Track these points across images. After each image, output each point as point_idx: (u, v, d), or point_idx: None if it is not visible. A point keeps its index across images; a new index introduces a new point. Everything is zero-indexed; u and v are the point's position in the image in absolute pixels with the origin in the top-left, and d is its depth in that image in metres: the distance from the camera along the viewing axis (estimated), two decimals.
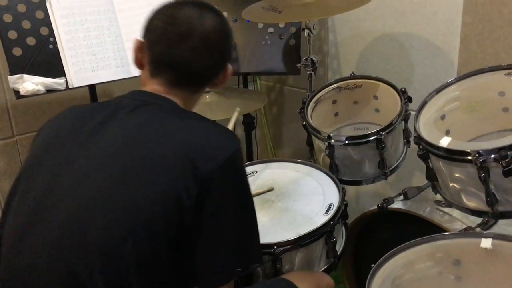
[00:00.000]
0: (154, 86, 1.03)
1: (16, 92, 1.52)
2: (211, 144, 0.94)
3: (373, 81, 1.63)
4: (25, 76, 1.52)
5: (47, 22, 1.56)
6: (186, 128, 0.96)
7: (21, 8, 1.55)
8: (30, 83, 1.51)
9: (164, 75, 1.02)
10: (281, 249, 1.20)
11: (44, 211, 0.91)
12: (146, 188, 0.89)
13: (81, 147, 0.96)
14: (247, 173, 1.52)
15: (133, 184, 0.90)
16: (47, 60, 1.56)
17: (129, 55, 1.63)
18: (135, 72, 1.61)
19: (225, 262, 0.96)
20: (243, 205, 0.98)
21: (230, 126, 1.46)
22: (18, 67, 1.52)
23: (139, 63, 1.07)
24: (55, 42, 1.56)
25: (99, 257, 0.86)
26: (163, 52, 1.01)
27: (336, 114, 1.69)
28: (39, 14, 1.56)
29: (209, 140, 0.95)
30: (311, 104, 1.64)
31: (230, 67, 1.10)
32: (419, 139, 1.25)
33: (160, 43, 1.01)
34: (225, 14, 2.00)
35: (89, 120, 1.00)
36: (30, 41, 1.54)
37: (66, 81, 1.57)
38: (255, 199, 1.41)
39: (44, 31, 1.57)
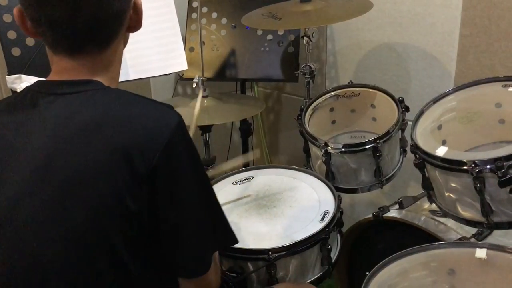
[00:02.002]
0: (59, 63, 0.88)
1: (14, 92, 1.52)
2: (144, 134, 0.82)
3: (370, 90, 1.64)
4: (23, 76, 1.51)
5: None
6: (112, 120, 0.83)
7: None
8: (28, 84, 1.50)
9: (59, 43, 0.86)
10: (275, 255, 1.19)
11: None
12: (83, 206, 0.80)
13: (4, 167, 0.84)
14: (244, 179, 1.53)
15: (69, 205, 0.80)
16: (46, 61, 1.52)
17: (128, 57, 1.63)
18: (133, 75, 1.61)
19: (197, 250, 0.90)
20: (197, 186, 0.89)
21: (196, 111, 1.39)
22: (17, 67, 1.52)
23: (30, 33, 0.88)
24: None
25: None
26: (37, 16, 0.83)
27: (333, 122, 1.70)
28: None
29: (141, 129, 0.83)
30: (309, 111, 1.64)
31: (137, 1, 0.92)
32: (415, 148, 1.25)
33: (30, 6, 0.83)
34: (224, 20, 2.01)
35: (5, 129, 0.86)
36: (29, 41, 1.54)
37: None
38: (250, 204, 1.42)
39: None
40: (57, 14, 0.82)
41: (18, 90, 1.50)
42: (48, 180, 0.81)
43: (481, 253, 1.06)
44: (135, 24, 0.93)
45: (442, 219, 1.35)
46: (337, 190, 1.45)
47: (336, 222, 1.32)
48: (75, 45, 0.86)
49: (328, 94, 1.68)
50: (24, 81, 1.50)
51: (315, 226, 1.27)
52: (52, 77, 0.89)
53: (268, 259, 1.19)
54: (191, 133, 1.32)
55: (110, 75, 0.91)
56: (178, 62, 1.68)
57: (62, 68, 0.88)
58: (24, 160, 0.83)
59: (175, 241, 0.87)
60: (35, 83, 0.91)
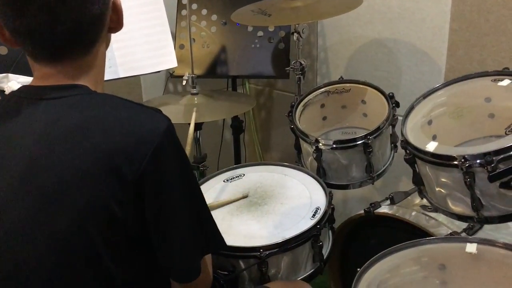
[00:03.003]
0: (41, 70, 0.86)
1: (1, 91, 1.50)
2: (131, 139, 0.80)
3: (361, 86, 1.64)
4: (11, 75, 1.50)
5: None
6: (98, 125, 0.81)
7: None
8: (15, 83, 1.49)
9: (40, 52, 0.84)
10: (267, 252, 1.19)
11: None
12: (69, 213, 0.78)
13: None
14: (235, 176, 1.53)
15: (53, 212, 0.78)
16: None
17: (117, 55, 1.62)
18: (123, 73, 1.60)
19: (186, 256, 0.89)
20: (185, 192, 0.87)
21: (191, 128, 1.39)
22: (4, 66, 1.50)
23: (10, 43, 0.86)
24: None
25: None
26: (16, 26, 0.81)
27: (324, 118, 1.70)
28: None
29: (128, 135, 0.81)
30: (299, 107, 1.64)
31: (116, 1, 0.90)
32: (406, 144, 1.25)
33: (8, 17, 0.81)
34: (214, 17, 2.00)
35: None
36: None
37: None
38: (241, 202, 1.41)
39: None
40: (35, 23, 0.80)
41: (5, 89, 1.49)
42: (33, 185, 0.79)
43: (471, 247, 1.06)
44: (116, 25, 0.91)
45: (433, 214, 1.35)
46: (329, 186, 1.45)
47: (327, 219, 1.32)
48: (56, 52, 0.84)
49: (319, 91, 1.68)
50: (11, 80, 1.48)
51: (307, 223, 1.27)
52: (35, 82, 0.87)
53: (259, 256, 1.19)
54: (187, 151, 1.31)
55: (94, 77, 0.89)
56: (168, 60, 1.68)
57: (44, 74, 0.86)
58: (10, 166, 0.81)
59: (164, 247, 0.86)
60: (19, 88, 0.89)
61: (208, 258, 0.97)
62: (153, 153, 0.80)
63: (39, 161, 0.80)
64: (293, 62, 1.77)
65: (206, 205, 0.93)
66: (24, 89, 0.88)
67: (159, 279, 0.92)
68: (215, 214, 1.35)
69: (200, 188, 0.92)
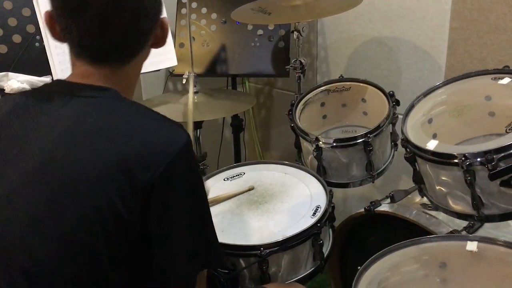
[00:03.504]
0: (81, 68, 0.89)
1: (1, 90, 1.50)
2: (149, 148, 0.83)
3: (361, 84, 1.64)
4: (10, 74, 1.50)
5: (33, 19, 1.54)
6: (121, 129, 0.84)
7: (8, 5, 1.52)
8: (15, 81, 1.49)
9: (85, 52, 0.88)
10: (267, 251, 1.19)
11: None
12: (78, 209, 0.80)
13: (11, 153, 0.85)
14: (235, 175, 1.53)
15: (64, 205, 0.80)
16: (33, 58, 1.54)
17: None
18: None
19: (183, 271, 0.89)
20: (192, 209, 0.88)
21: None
22: (4, 64, 1.50)
23: (58, 37, 0.90)
24: (41, 40, 1.54)
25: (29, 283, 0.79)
26: (68, 24, 0.86)
27: (324, 117, 1.69)
28: (26, 12, 1.54)
29: (147, 143, 0.83)
30: (300, 106, 1.64)
31: (164, 19, 0.93)
32: (406, 142, 1.25)
33: (63, 14, 0.86)
34: (214, 15, 2.00)
35: (17, 123, 0.89)
36: (16, 38, 1.52)
37: (52, 79, 1.55)
38: (241, 200, 1.41)
39: (30, 28, 1.54)
40: (88, 28, 0.84)
41: (5, 88, 1.49)
42: (48, 176, 0.81)
43: (472, 246, 1.06)
44: (160, 40, 0.94)
45: (433, 213, 1.35)
46: (329, 185, 1.45)
47: (328, 217, 1.32)
48: (99, 56, 0.88)
49: (319, 89, 1.67)
50: (11, 79, 1.48)
51: (307, 221, 1.27)
52: (71, 78, 0.90)
53: (260, 255, 1.19)
54: (190, 131, 1.31)
55: (127, 86, 0.93)
56: (168, 58, 1.67)
57: (82, 72, 0.89)
58: (30, 152, 0.84)
59: (164, 257, 0.87)
60: (53, 81, 0.94)
61: (203, 275, 0.97)
62: (168, 165, 0.82)
63: (58, 154, 0.82)
64: (293, 61, 1.77)
65: (212, 224, 0.93)
66: (59, 82, 0.92)
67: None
68: (215, 211, 1.35)
69: (208, 208, 0.92)
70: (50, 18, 0.89)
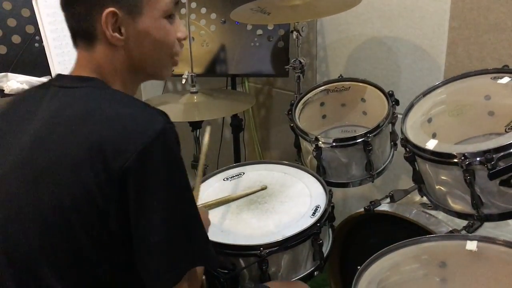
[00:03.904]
0: (77, 57, 0.95)
1: (0, 91, 1.50)
2: (124, 133, 0.81)
3: (360, 84, 1.64)
4: (10, 74, 1.50)
5: (33, 20, 1.54)
6: (98, 115, 0.84)
7: (7, 5, 1.53)
8: (15, 82, 1.49)
9: (72, 38, 0.94)
10: (267, 250, 1.19)
11: None
12: (55, 195, 0.81)
13: (5, 139, 0.90)
14: (234, 175, 1.53)
15: (43, 191, 0.82)
16: (33, 59, 1.54)
17: None
18: None
19: (163, 262, 0.84)
20: (170, 198, 0.83)
21: (205, 143, 1.36)
22: (3, 65, 1.50)
23: None
24: (40, 41, 1.54)
25: (12, 269, 0.82)
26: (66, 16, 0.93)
27: (323, 117, 1.69)
28: (25, 12, 1.55)
29: (123, 128, 0.82)
30: (299, 106, 1.64)
31: (111, 12, 0.88)
32: (406, 142, 1.25)
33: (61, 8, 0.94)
34: (214, 15, 2.00)
35: (16, 115, 0.93)
36: (16, 39, 1.53)
37: None
38: (241, 200, 1.41)
39: (29, 29, 1.55)
40: (66, 13, 0.92)
41: (5, 88, 1.49)
42: (28, 164, 0.84)
43: (471, 245, 1.06)
44: (115, 40, 0.91)
45: (433, 212, 1.35)
46: (328, 184, 1.45)
47: (327, 217, 1.32)
48: (74, 41, 0.93)
49: (318, 89, 1.68)
50: (10, 79, 1.48)
51: (307, 221, 1.27)
52: (71, 71, 0.95)
53: (260, 255, 1.19)
54: (199, 169, 1.33)
55: (111, 72, 0.92)
56: None
57: (77, 62, 0.94)
58: (20, 142, 0.87)
59: (142, 247, 0.83)
60: (55, 76, 0.97)
61: (196, 275, 0.92)
62: (142, 151, 0.80)
63: (39, 143, 0.85)
64: (292, 61, 1.77)
65: (197, 217, 0.88)
66: (56, 76, 0.96)
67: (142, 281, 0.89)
68: (214, 213, 1.35)
69: (192, 199, 0.88)
70: None
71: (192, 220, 0.88)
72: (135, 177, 0.80)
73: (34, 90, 0.97)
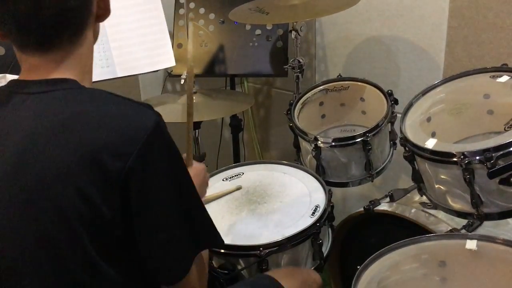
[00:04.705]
0: (28, 61, 0.84)
1: None
2: (117, 135, 0.78)
3: (359, 83, 1.64)
4: (8, 75, 1.49)
5: None
6: (84, 119, 0.79)
7: None
8: None
9: (27, 41, 0.82)
10: (267, 250, 1.19)
11: None
12: (55, 209, 0.77)
13: None
14: (234, 175, 1.53)
15: (40, 209, 0.77)
16: None
17: (115, 55, 1.61)
18: (121, 72, 1.60)
19: (173, 255, 0.86)
20: (175, 190, 0.84)
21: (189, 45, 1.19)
22: (1, 66, 1.50)
23: None
24: None
25: None
26: (2, 16, 0.80)
27: (323, 116, 1.69)
28: None
29: (114, 130, 0.79)
30: (298, 106, 1.64)
31: None
32: (405, 141, 1.25)
33: None
34: (212, 15, 2.00)
35: None
36: None
37: None
38: (240, 200, 1.41)
39: None
40: (20, 9, 0.79)
41: None
42: (20, 182, 0.78)
43: (471, 244, 1.06)
44: (104, 12, 0.89)
45: (432, 211, 1.35)
46: (328, 184, 1.45)
47: (327, 217, 1.32)
48: (42, 40, 0.82)
49: (317, 88, 1.67)
50: (8, 80, 1.48)
51: (306, 221, 1.27)
52: (23, 76, 0.85)
53: (259, 255, 1.19)
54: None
55: (83, 69, 0.87)
56: (166, 59, 1.67)
57: (30, 66, 0.84)
58: None
59: (150, 246, 0.84)
60: (8, 82, 0.88)
61: (202, 256, 0.94)
62: (140, 151, 0.78)
63: (25, 157, 0.78)
64: (291, 60, 1.77)
65: (200, 201, 0.90)
66: (13, 83, 0.86)
67: (152, 278, 0.89)
68: (214, 213, 1.35)
69: (192, 184, 0.88)
70: None
71: (197, 207, 0.89)
72: (137, 177, 0.78)
73: None
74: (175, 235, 0.85)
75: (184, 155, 1.14)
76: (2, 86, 0.88)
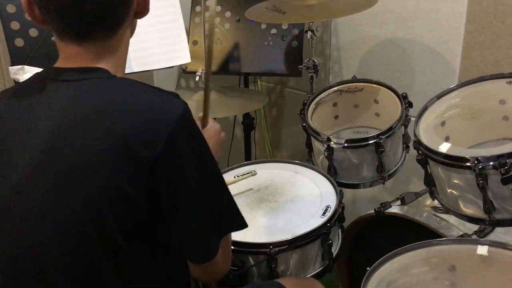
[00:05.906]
0: (67, 50, 0.87)
1: (17, 83, 1.52)
2: (146, 123, 0.81)
3: (374, 85, 1.63)
4: (26, 67, 1.51)
5: None
6: (115, 107, 0.83)
7: None
8: (31, 74, 1.50)
9: (67, 30, 0.86)
10: (276, 249, 1.19)
11: None
12: (83, 195, 0.80)
13: (10, 151, 0.85)
14: (246, 173, 1.53)
15: (70, 193, 0.80)
16: (49, 52, 1.55)
17: (131, 50, 1.59)
18: (137, 67, 1.61)
19: (202, 239, 0.90)
20: (201, 177, 0.87)
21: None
22: (20, 58, 1.52)
23: (38, 21, 0.88)
24: None
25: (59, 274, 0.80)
26: (45, 3, 0.83)
27: (336, 117, 1.69)
28: None
29: (143, 118, 0.82)
30: (312, 106, 1.64)
31: None
32: (418, 144, 1.25)
33: None
34: (228, 13, 2.01)
35: (14, 114, 0.87)
36: (33, 32, 1.54)
37: None
38: (251, 198, 1.42)
39: None
40: (64, 1, 0.82)
41: (21, 81, 1.50)
42: (52, 167, 0.81)
43: (482, 250, 1.05)
44: (143, 9, 0.92)
45: (444, 216, 1.35)
46: (339, 185, 1.45)
47: (337, 217, 1.32)
48: (82, 31, 0.86)
49: (332, 89, 1.67)
50: (27, 72, 1.50)
51: (317, 221, 1.27)
52: (59, 63, 0.89)
53: (269, 253, 1.19)
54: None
55: (116, 61, 0.90)
56: (181, 55, 1.68)
57: (69, 55, 0.88)
58: (30, 145, 0.83)
59: (179, 230, 0.88)
60: (44, 69, 0.92)
61: (227, 241, 0.97)
62: (168, 138, 0.81)
63: (58, 142, 0.81)
64: (306, 61, 1.77)
65: (225, 186, 0.93)
66: (48, 69, 0.90)
67: (175, 261, 0.94)
68: None
69: (218, 169, 0.92)
70: (28, 1, 0.86)
71: (222, 191, 0.92)
72: (166, 163, 0.81)
73: (27, 87, 0.90)
74: (203, 220, 0.88)
75: (200, 115, 1.18)
76: (38, 73, 0.91)
